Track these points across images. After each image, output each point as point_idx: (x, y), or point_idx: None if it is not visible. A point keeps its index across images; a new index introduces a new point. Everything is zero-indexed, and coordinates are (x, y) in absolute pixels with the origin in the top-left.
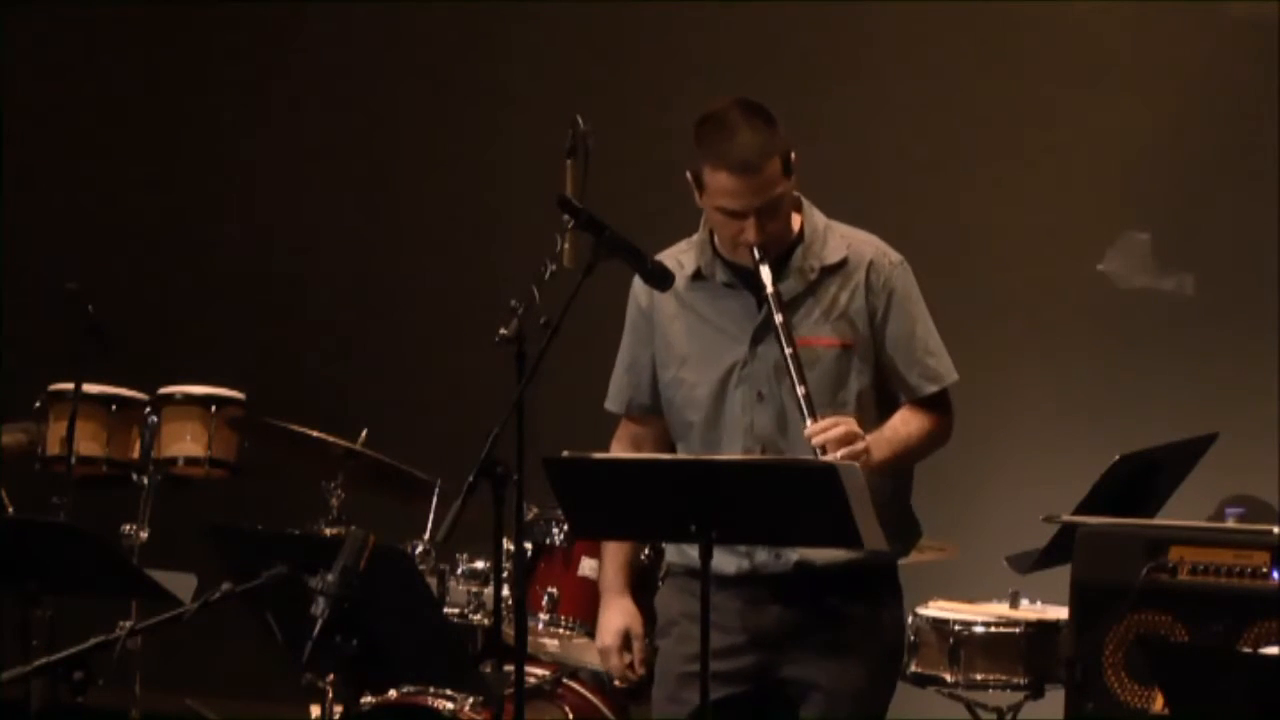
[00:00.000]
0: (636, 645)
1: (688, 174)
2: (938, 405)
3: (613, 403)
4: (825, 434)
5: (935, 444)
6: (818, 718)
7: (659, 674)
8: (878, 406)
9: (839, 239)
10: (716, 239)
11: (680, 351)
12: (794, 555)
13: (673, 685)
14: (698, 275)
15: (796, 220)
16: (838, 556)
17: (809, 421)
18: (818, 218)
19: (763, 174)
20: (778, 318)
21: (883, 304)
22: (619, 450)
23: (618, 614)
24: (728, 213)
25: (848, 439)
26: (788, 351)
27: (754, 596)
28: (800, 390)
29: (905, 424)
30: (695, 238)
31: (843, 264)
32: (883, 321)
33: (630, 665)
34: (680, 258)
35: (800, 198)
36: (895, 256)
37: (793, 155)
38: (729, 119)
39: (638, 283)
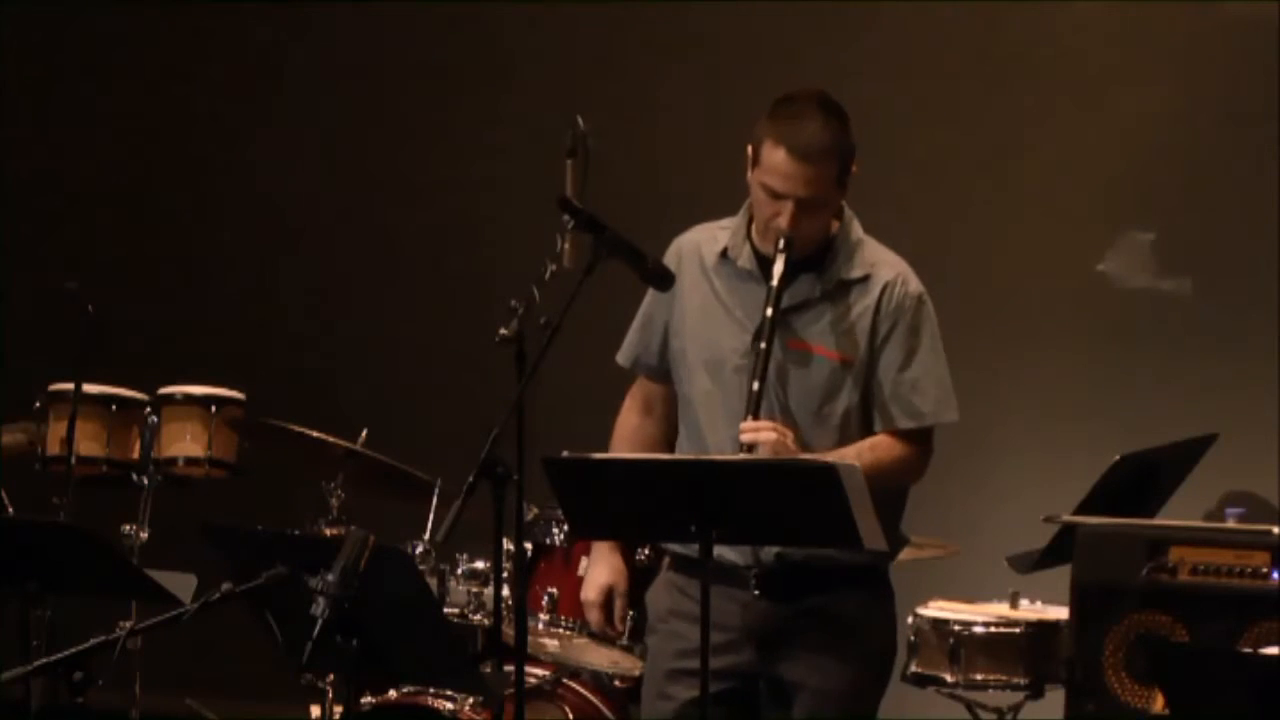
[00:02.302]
0: (619, 603)
1: (749, 146)
2: (916, 440)
3: (622, 357)
4: (757, 434)
5: (899, 478)
6: (805, 717)
7: (648, 671)
8: (863, 428)
9: (866, 256)
10: (753, 222)
11: (691, 325)
12: (773, 549)
13: (661, 681)
14: (724, 255)
15: (833, 226)
16: (821, 552)
17: (749, 417)
18: (854, 231)
19: (817, 167)
20: (768, 311)
21: (885, 329)
22: (631, 406)
23: (604, 570)
24: (771, 193)
25: (777, 449)
26: (761, 345)
27: (742, 593)
28: (754, 385)
29: (858, 454)
30: (736, 217)
31: (861, 281)
32: (881, 346)
33: (610, 621)
34: (717, 232)
35: (844, 207)
36: (915, 288)
37: (854, 168)
38: (807, 105)
39: (674, 245)
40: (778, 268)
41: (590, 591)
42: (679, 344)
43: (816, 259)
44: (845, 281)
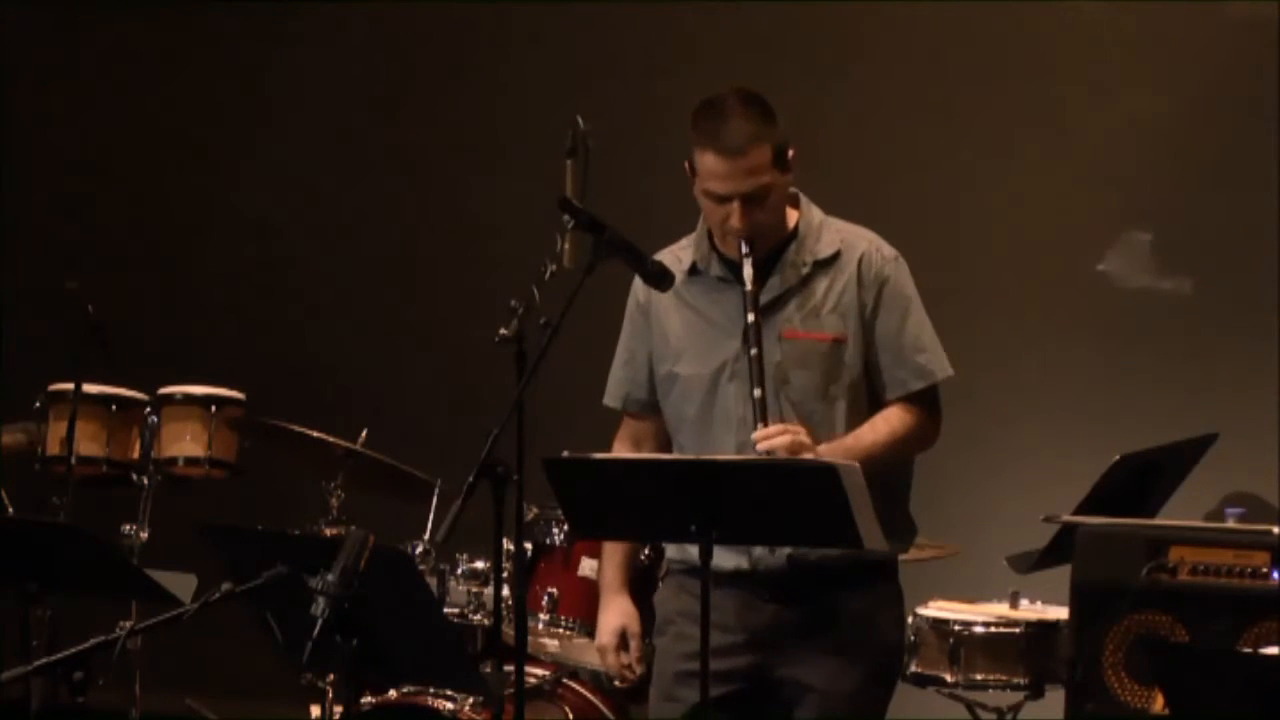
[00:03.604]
0: (633, 644)
1: (686, 163)
2: (924, 405)
3: (610, 398)
4: (771, 441)
5: (916, 446)
6: (813, 718)
7: (656, 673)
8: (870, 399)
9: (833, 233)
10: (712, 231)
11: (676, 346)
12: (786, 550)
13: (668, 684)
14: (694, 270)
15: (794, 216)
16: (832, 553)
17: (759, 425)
18: (814, 213)
19: (749, 158)
20: (750, 317)
21: (873, 298)
22: (620, 448)
23: (615, 613)
24: (714, 197)
25: (794, 449)
26: (752, 353)
27: (750, 595)
28: (755, 393)
29: (874, 430)
30: (692, 235)
31: (835, 258)
32: (873, 316)
33: (628, 664)
34: (679, 253)
35: (799, 194)
36: (889, 251)
37: (790, 151)
38: (724, 104)
39: (637, 279)
40: (747, 271)
41: (604, 636)
42: (666, 369)
43: (786, 248)
44: (820, 262)
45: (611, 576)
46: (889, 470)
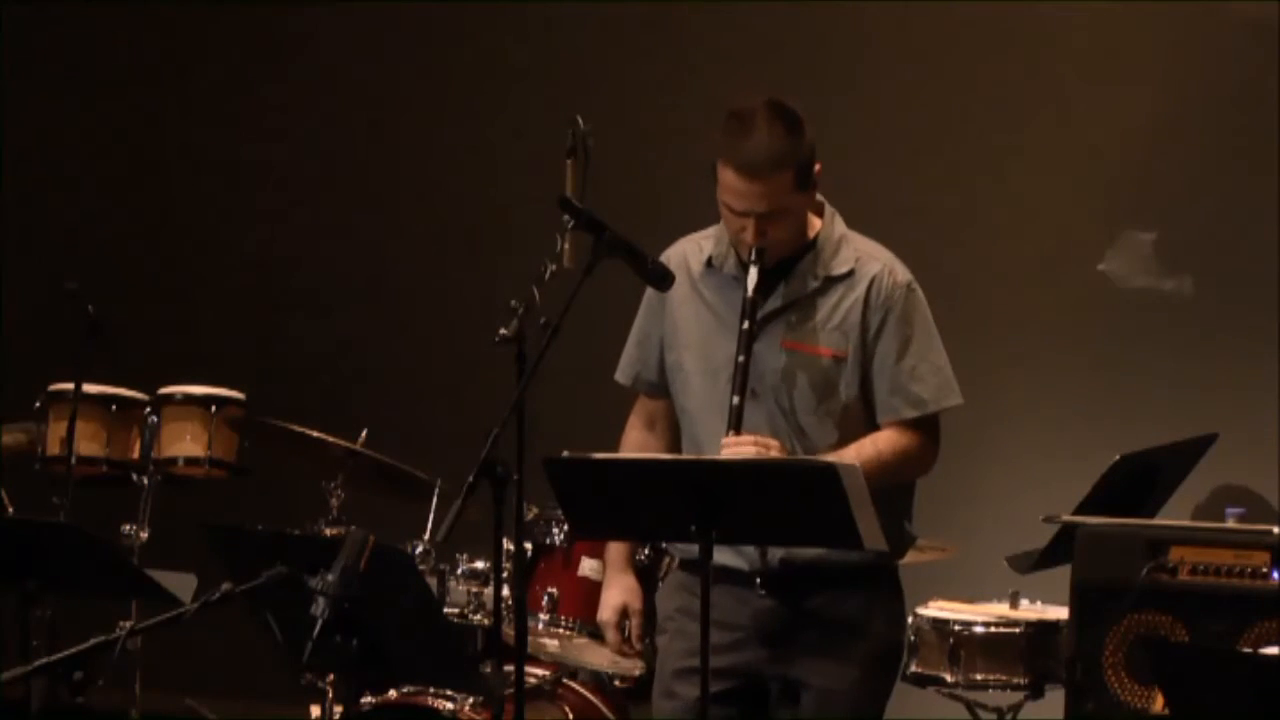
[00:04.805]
0: (634, 621)
1: (714, 162)
2: (919, 431)
3: (621, 375)
4: (740, 450)
5: (906, 471)
6: (811, 717)
7: (657, 670)
8: (865, 421)
9: (850, 251)
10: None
11: (684, 336)
12: (779, 551)
13: (668, 680)
14: (710, 263)
15: (816, 225)
16: (822, 553)
17: (730, 432)
18: (836, 227)
19: (768, 182)
20: (745, 324)
21: (877, 322)
22: (636, 424)
23: (617, 590)
24: (731, 210)
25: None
26: (739, 359)
27: (749, 593)
28: (734, 400)
29: (860, 450)
30: (718, 226)
31: (848, 276)
32: (874, 339)
33: (627, 640)
34: (701, 242)
35: (824, 203)
36: (902, 277)
37: (816, 167)
38: (752, 118)
39: (660, 259)
40: (751, 279)
41: (605, 612)
42: (674, 357)
43: (801, 257)
44: (832, 278)
45: (616, 553)
46: (884, 489)
